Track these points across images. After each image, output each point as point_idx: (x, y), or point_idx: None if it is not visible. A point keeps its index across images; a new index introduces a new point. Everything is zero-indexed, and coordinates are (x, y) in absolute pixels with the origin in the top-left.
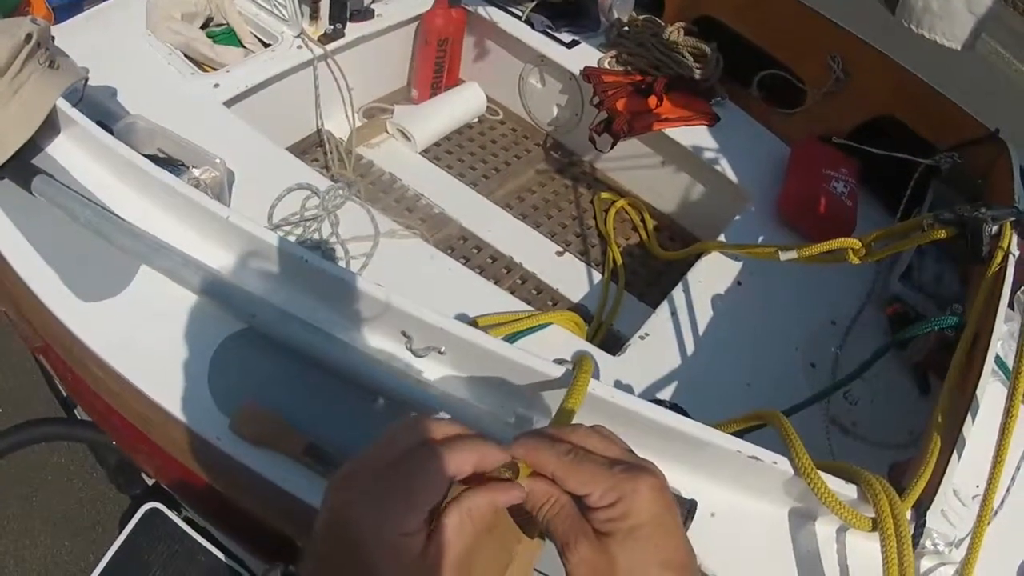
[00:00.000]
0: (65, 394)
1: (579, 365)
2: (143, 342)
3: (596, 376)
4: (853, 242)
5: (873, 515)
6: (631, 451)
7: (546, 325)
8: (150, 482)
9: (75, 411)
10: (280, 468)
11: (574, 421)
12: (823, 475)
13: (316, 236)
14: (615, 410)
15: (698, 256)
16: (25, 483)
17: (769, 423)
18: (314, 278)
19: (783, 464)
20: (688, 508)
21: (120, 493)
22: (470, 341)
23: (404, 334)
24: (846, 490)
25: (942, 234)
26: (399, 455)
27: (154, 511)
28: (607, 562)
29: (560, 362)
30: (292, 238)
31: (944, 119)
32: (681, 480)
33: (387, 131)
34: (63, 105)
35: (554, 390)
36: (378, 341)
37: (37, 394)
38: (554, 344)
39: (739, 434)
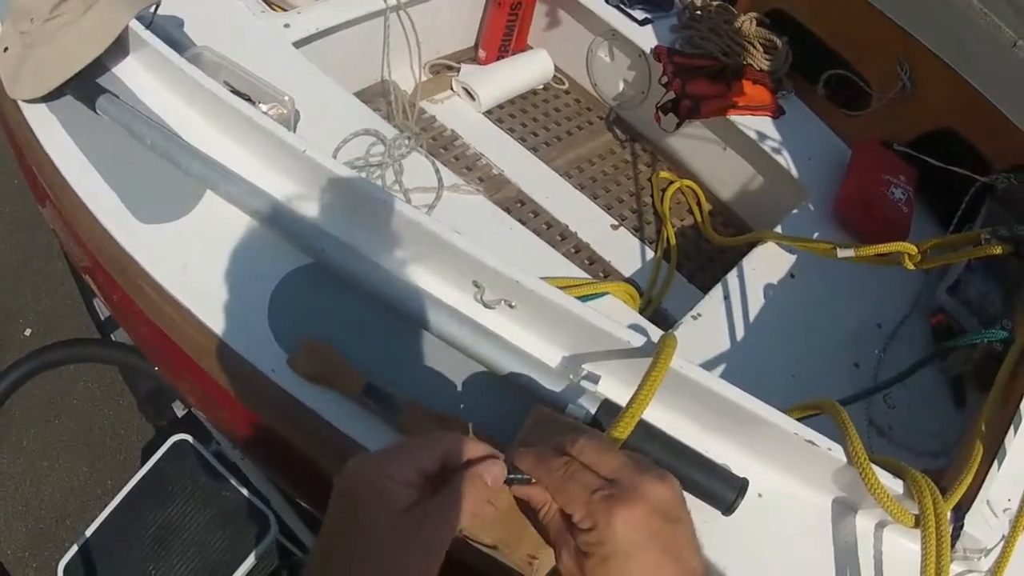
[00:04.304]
0: (104, 317)
1: (663, 344)
2: (201, 268)
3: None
4: (910, 247)
5: (916, 512)
6: (629, 463)
7: (603, 294)
8: (180, 413)
9: (112, 336)
10: (336, 407)
11: (629, 383)
12: (874, 467)
13: (379, 183)
14: (681, 380)
15: (752, 245)
16: (49, 405)
17: (827, 412)
18: (389, 220)
19: (837, 452)
20: (740, 486)
21: (146, 423)
22: (549, 299)
23: (475, 284)
24: (893, 485)
25: (998, 250)
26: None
27: (183, 443)
28: None
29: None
30: None
31: (1005, 140)
32: (734, 457)
33: (452, 88)
34: (136, 27)
35: (622, 356)
36: (446, 288)
37: (69, 316)
38: (610, 315)
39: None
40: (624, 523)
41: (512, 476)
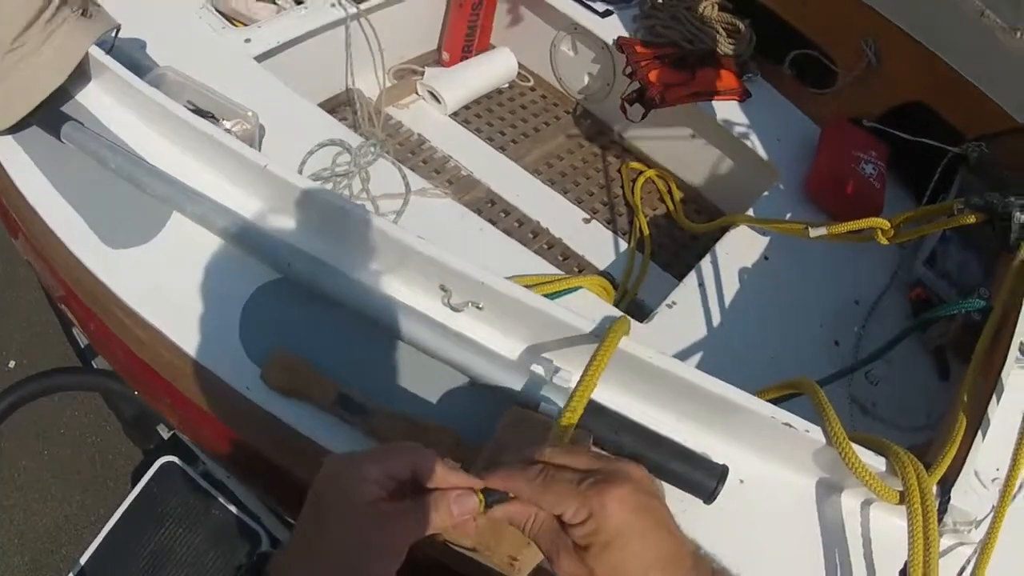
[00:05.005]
0: (83, 346)
1: (613, 323)
2: (172, 290)
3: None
4: (882, 222)
5: (900, 488)
6: (598, 455)
7: (576, 289)
8: (166, 435)
9: (93, 363)
10: (311, 419)
11: (603, 379)
12: (854, 446)
13: (346, 192)
14: (654, 371)
15: (724, 229)
16: (38, 436)
17: (804, 392)
18: (353, 229)
19: (815, 433)
20: (720, 474)
21: (134, 447)
22: (514, 298)
23: (442, 288)
24: (875, 462)
25: (971, 219)
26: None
27: (170, 464)
28: (587, 574)
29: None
30: None
31: (974, 109)
32: (713, 445)
33: (417, 92)
34: (96, 52)
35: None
36: (414, 294)
37: (51, 346)
38: (583, 309)
39: (772, 403)
40: (619, 502)
41: (491, 499)
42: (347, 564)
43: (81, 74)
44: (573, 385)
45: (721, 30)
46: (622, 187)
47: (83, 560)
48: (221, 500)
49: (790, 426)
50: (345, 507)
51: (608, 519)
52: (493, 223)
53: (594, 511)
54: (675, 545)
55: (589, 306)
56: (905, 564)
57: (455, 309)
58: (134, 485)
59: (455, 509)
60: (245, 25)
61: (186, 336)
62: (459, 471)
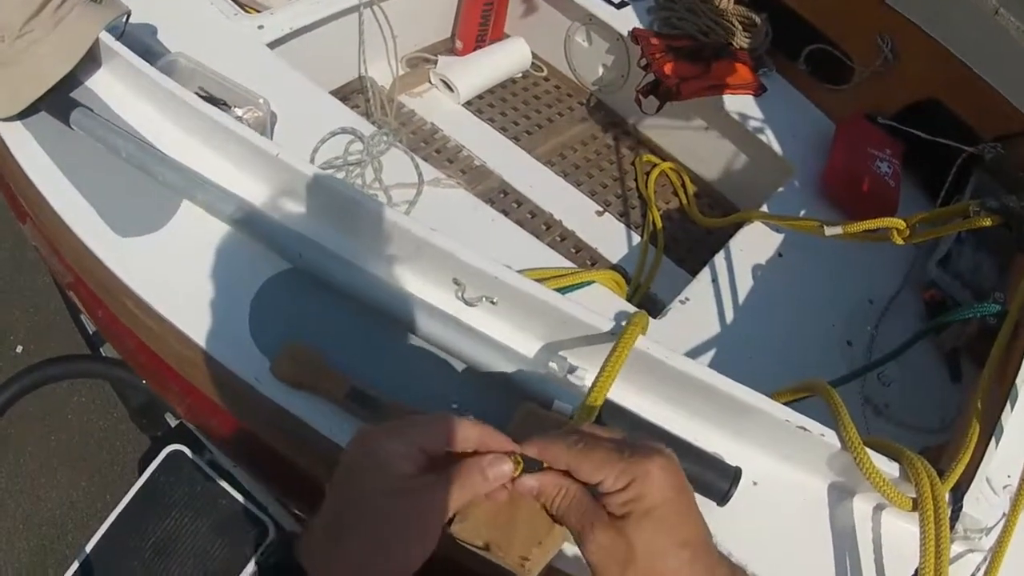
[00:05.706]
0: (92, 332)
1: (631, 319)
2: (182, 279)
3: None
4: (898, 222)
5: (913, 495)
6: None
7: (589, 283)
8: (173, 423)
9: (101, 350)
10: (321, 412)
11: (619, 376)
12: (869, 451)
13: (359, 181)
14: (668, 370)
15: (738, 225)
16: (45, 422)
17: (819, 394)
18: (366, 220)
19: (830, 437)
20: (733, 475)
21: (141, 435)
22: (530, 294)
23: (456, 282)
24: (889, 468)
25: (987, 222)
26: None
27: (177, 453)
28: (625, 545)
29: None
30: None
31: (990, 109)
32: (726, 446)
33: (430, 81)
34: (106, 38)
35: (607, 347)
36: (427, 288)
37: (59, 331)
38: (596, 303)
39: (786, 404)
40: (662, 470)
41: (526, 467)
42: (375, 550)
43: (91, 60)
44: (587, 383)
45: (737, 23)
46: (636, 180)
47: (89, 547)
48: (228, 489)
49: (805, 429)
50: (372, 486)
51: (652, 486)
52: (506, 214)
53: (638, 476)
54: (706, 531)
55: (602, 301)
56: (916, 571)
57: (469, 303)
58: (141, 473)
59: (489, 473)
60: (258, 11)
61: (195, 326)
62: (496, 432)
